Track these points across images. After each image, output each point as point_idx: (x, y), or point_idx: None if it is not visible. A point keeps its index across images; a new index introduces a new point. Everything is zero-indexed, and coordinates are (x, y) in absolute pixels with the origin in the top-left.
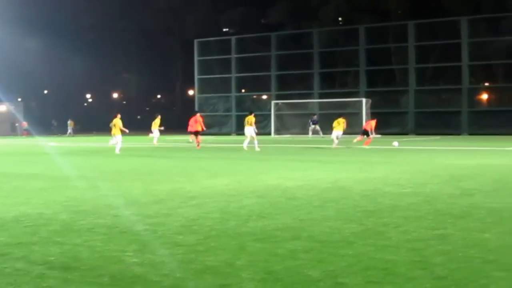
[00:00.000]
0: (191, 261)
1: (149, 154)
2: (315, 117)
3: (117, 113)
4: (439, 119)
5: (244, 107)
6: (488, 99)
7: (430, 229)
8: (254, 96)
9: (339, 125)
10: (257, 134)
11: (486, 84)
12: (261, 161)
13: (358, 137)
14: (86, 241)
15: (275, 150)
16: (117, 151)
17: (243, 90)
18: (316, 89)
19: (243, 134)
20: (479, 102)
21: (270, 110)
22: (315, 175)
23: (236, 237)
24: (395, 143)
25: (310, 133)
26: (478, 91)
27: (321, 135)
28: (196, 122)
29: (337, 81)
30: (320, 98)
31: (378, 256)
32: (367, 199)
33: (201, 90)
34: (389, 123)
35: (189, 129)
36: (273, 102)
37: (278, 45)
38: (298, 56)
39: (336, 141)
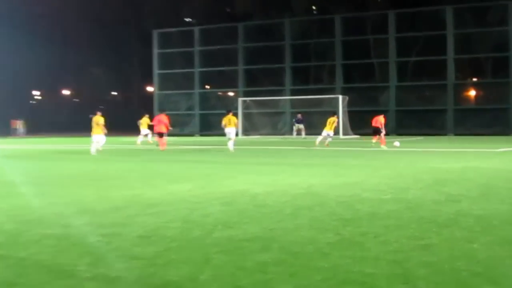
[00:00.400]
0: (150, 275)
1: (105, 158)
2: (299, 115)
3: (98, 111)
4: (422, 118)
5: (208, 105)
6: (475, 96)
7: (412, 239)
8: (220, 93)
9: (330, 125)
10: (223, 135)
11: (474, 79)
12: (228, 165)
13: (374, 138)
14: (33, 254)
15: (243, 152)
16: (92, 151)
17: (207, 87)
18: (288, 85)
19: (207, 134)
20: (466, 99)
21: (237, 109)
22: (286, 179)
23: (200, 249)
24: (396, 143)
25: (294, 133)
26: (465, 87)
27: (303, 135)
28: (160, 122)
29: (310, 77)
30: (292, 95)
31: (356, 269)
32: (343, 206)
33: (161, 87)
34: (368, 123)
35: (154, 130)
36: (240, 99)
37: (246, 36)
38: (268, 49)
39: (320, 139)
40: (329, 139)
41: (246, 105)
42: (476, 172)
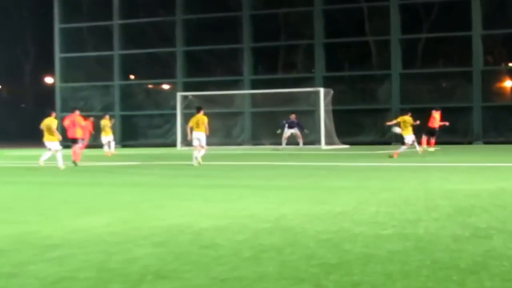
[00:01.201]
0: None
1: None
2: (293, 116)
3: (52, 111)
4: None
5: (134, 103)
6: None
7: None
8: (150, 86)
9: (408, 127)
10: (155, 145)
11: (511, 65)
12: (162, 188)
13: (431, 142)
14: None
15: (184, 170)
16: (61, 165)
17: (132, 77)
18: (247, 74)
19: (130, 145)
20: (500, 93)
21: (174, 108)
22: (246, 209)
23: None
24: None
25: (284, 142)
26: (498, 76)
27: (301, 145)
28: (75, 125)
29: (279, 62)
30: (253, 87)
31: None
32: (327, 246)
33: (65, 77)
34: (362, 127)
35: (68, 135)
36: (179, 94)
37: (187, 5)
38: (219, 23)
39: (404, 147)
40: (404, 147)
41: (187, 103)
42: None
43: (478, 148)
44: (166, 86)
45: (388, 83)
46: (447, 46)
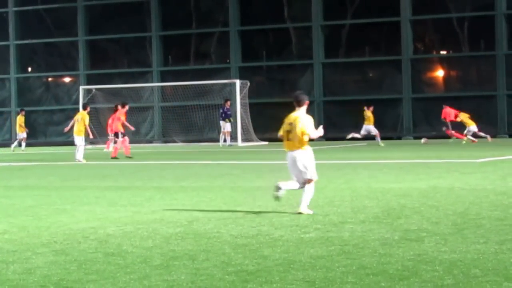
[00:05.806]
0: None
1: None
2: (227, 104)
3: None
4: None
5: (32, 98)
6: (444, 78)
7: None
8: (50, 79)
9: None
10: (56, 144)
11: (442, 53)
12: (63, 191)
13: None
14: None
15: (87, 171)
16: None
17: (29, 69)
18: (156, 65)
19: (28, 144)
20: (432, 83)
21: (77, 103)
22: (155, 212)
23: None
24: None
25: (222, 139)
26: (429, 64)
27: (228, 141)
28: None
29: (191, 51)
30: (163, 80)
31: None
32: (244, 252)
33: None
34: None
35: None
36: (82, 88)
37: None
38: (124, 9)
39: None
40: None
41: (91, 97)
42: (448, 195)
43: (408, 144)
44: (67, 79)
45: (310, 73)
46: (374, 33)
